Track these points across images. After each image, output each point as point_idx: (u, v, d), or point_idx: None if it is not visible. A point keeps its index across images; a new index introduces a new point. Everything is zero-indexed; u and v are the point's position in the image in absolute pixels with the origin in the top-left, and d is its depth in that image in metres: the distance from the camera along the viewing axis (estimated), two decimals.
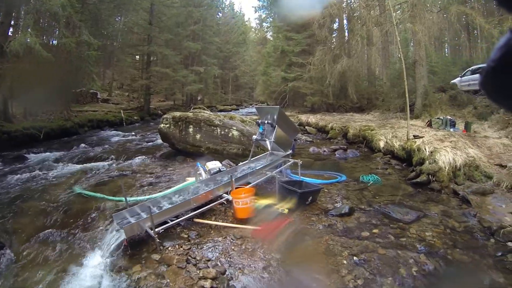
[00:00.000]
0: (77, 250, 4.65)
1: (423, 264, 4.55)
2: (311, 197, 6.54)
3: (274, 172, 7.12)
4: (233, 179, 6.14)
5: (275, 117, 7.51)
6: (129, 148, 12.59)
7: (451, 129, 10.82)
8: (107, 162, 9.70)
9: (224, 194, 5.98)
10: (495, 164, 8.06)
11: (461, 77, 18.37)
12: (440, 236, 5.33)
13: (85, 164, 9.39)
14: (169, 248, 4.58)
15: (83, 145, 12.56)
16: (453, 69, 21.52)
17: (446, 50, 34.29)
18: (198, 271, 4.04)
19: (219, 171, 6.93)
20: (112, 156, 10.51)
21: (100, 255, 4.43)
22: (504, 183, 7.11)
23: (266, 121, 7.65)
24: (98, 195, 6.64)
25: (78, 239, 4.93)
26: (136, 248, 4.60)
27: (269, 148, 7.69)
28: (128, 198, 5.46)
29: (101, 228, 5.25)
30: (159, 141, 11.77)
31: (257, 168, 7.17)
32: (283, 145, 8.01)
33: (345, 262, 4.64)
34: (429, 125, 11.70)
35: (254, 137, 7.85)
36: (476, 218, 5.94)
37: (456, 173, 7.70)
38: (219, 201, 5.89)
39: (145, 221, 4.62)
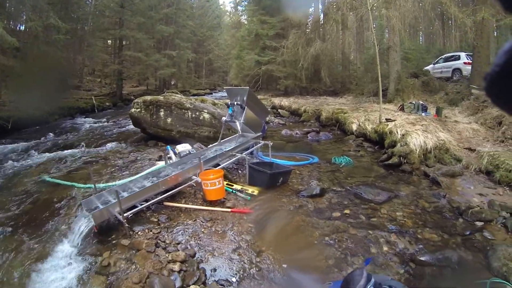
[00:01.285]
0: (46, 239, 4.46)
1: (393, 243, 4.56)
2: (281, 178, 6.45)
3: (244, 153, 7.10)
4: (201, 161, 5.96)
5: (244, 98, 7.42)
6: (100, 135, 12.09)
7: (423, 114, 10.96)
8: (77, 150, 9.26)
9: (194, 177, 5.79)
10: (464, 148, 8.26)
11: (434, 64, 18.75)
12: (411, 216, 5.37)
13: (55, 153, 8.92)
14: (139, 232, 4.46)
15: (53, 134, 11.97)
16: (426, 56, 21.81)
17: (420, 38, 34.80)
18: (167, 255, 3.95)
19: (189, 153, 6.76)
20: (83, 143, 10.05)
21: (70, 243, 4.32)
22: (473, 166, 7.31)
23: (235, 103, 7.54)
24: (67, 183, 6.33)
25: (47, 228, 4.74)
26: (106, 234, 4.47)
27: (239, 130, 7.59)
28: (97, 185, 5.32)
29: (70, 216, 5.01)
30: (131, 126, 11.35)
31: (226, 150, 7.04)
32: (253, 127, 7.90)
33: (316, 242, 4.60)
34: (402, 109, 11.81)
35: (224, 118, 7.74)
36: (445, 199, 6.04)
37: (427, 155, 7.83)
38: (188, 184, 5.69)
39: (113, 206, 4.50)
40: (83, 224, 4.49)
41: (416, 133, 8.30)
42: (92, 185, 5.38)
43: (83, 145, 9.77)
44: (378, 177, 7.19)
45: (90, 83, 30.17)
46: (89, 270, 3.80)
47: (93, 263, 3.90)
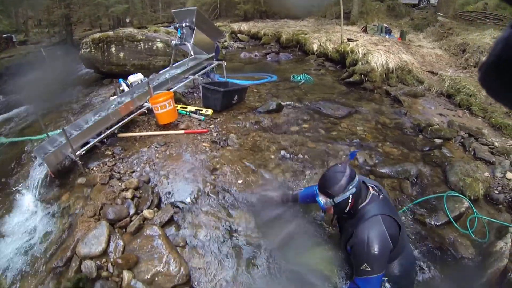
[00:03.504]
0: (7, 195, 4.36)
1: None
2: (236, 96, 6.06)
3: (197, 75, 6.81)
4: (150, 86, 5.56)
5: (193, 19, 7.01)
6: (53, 85, 11.03)
7: (386, 36, 10.63)
8: (29, 105, 8.40)
9: (145, 103, 5.58)
10: (427, 71, 8.21)
11: None
12: (371, 130, 5.20)
13: (5, 114, 8.23)
14: (94, 168, 4.27)
15: (2, 96, 10.75)
16: None
17: None
18: (121, 184, 3.83)
19: (141, 82, 6.31)
20: (35, 98, 9.10)
21: (30, 194, 4.24)
22: (435, 88, 7.31)
23: (184, 24, 7.07)
24: (21, 138, 5.98)
25: (7, 185, 4.59)
26: (63, 177, 4.31)
27: (190, 52, 7.14)
28: (50, 133, 4.89)
29: (28, 169, 4.72)
30: (85, 70, 10.68)
31: (177, 73, 6.69)
32: (205, 48, 7.60)
33: (272, 156, 4.35)
34: (365, 30, 11.40)
35: (173, 42, 7.43)
36: (406, 116, 5.94)
37: (389, 75, 7.69)
38: (140, 111, 5.48)
39: (64, 146, 4.26)
40: (39, 172, 4.37)
41: (378, 53, 8.06)
42: (45, 134, 5.00)
43: (35, 100, 8.93)
44: (339, 94, 6.94)
45: (38, 35, 27.23)
46: (50, 216, 3.77)
47: (54, 207, 3.85)
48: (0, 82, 13.51)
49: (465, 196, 3.83)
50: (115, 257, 2.94)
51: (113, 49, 9.13)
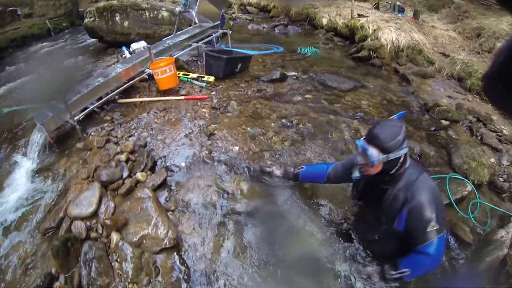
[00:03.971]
0: (5, 162, 4.34)
1: (356, 129, 4.20)
2: (240, 64, 5.87)
3: (200, 43, 6.66)
4: (151, 51, 5.44)
5: None
6: (57, 55, 10.84)
7: (399, 14, 10.28)
8: (34, 75, 8.22)
9: (146, 69, 5.47)
10: (438, 52, 7.85)
11: None
12: (376, 106, 5.02)
13: (10, 84, 8.05)
14: (92, 133, 4.23)
15: (8, 66, 10.49)
16: None
17: None
18: (116, 147, 3.74)
19: (143, 49, 6.15)
20: (39, 68, 8.94)
21: (29, 159, 4.19)
22: (445, 70, 7.00)
23: None
24: (24, 107, 5.87)
25: (6, 152, 4.55)
26: (62, 142, 4.29)
27: (195, 19, 7.00)
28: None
29: (28, 136, 4.58)
30: (90, 40, 10.50)
31: (180, 40, 6.54)
32: (210, 16, 7.38)
33: (273, 124, 4.18)
34: (377, 7, 11.01)
35: (177, 9, 7.27)
36: (413, 95, 5.73)
37: (398, 53, 7.39)
38: (140, 77, 5.40)
39: (63, 111, 4.21)
40: (38, 138, 4.25)
41: (389, 29, 7.73)
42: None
43: (39, 71, 8.78)
44: (346, 68, 6.69)
45: (43, 8, 26.64)
46: (47, 180, 3.75)
47: (52, 172, 3.82)
48: (5, 54, 13.44)
49: (469, 180, 3.67)
50: (104, 218, 2.84)
51: (117, 18, 8.93)
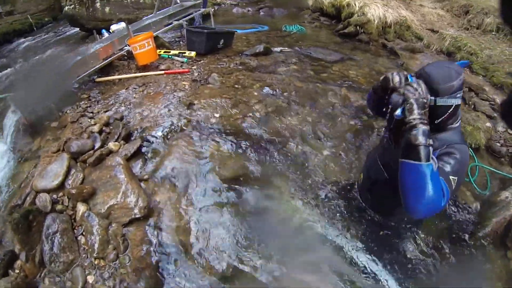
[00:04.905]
0: None
1: (344, 96, 3.93)
2: (222, 40, 5.57)
3: (182, 21, 6.37)
4: (129, 27, 5.20)
5: None
6: (38, 48, 10.53)
7: None
8: (14, 66, 7.86)
9: (125, 47, 5.24)
10: (427, 29, 7.63)
11: None
12: (365, 76, 4.75)
13: None
14: (68, 112, 3.89)
15: None
16: None
17: None
18: (90, 121, 3.49)
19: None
20: (19, 60, 8.55)
21: (3, 143, 3.87)
22: (434, 45, 6.78)
23: None
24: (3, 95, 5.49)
25: None
26: (37, 123, 3.92)
27: None
28: None
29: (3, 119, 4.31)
30: (71, 31, 10.39)
31: (161, 17, 6.33)
32: None
33: (256, 93, 3.89)
34: None
35: None
36: (403, 67, 5.45)
37: (386, 29, 7.13)
38: (119, 54, 5.13)
39: (38, 91, 4.00)
40: (12, 119, 4.01)
41: (376, 5, 7.47)
42: None
43: (20, 62, 8.44)
44: (332, 44, 6.40)
45: (25, 5, 25.90)
46: (20, 160, 3.46)
47: (24, 152, 3.55)
48: None
49: None
50: (69, 188, 2.52)
51: (97, 4, 8.74)
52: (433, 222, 2.58)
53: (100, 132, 3.22)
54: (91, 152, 2.89)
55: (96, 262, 2.16)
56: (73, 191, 2.39)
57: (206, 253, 2.20)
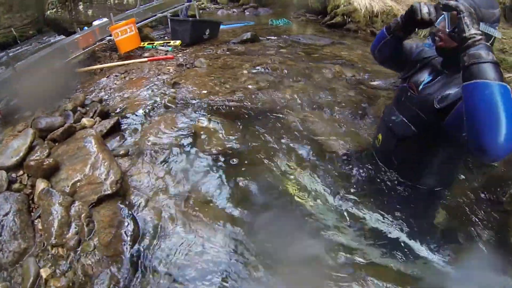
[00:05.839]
0: None
1: (339, 72, 3.59)
2: (208, 30, 5.27)
3: (166, 13, 6.21)
4: (111, 15, 4.95)
5: None
6: (20, 59, 10.10)
7: None
8: None
9: (107, 37, 5.06)
10: None
11: None
12: (358, 56, 4.46)
13: None
14: None
15: None
16: None
17: None
18: (64, 100, 3.19)
19: None
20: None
21: None
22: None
23: None
24: None
25: None
26: (12, 114, 3.52)
27: None
28: None
29: None
30: (57, 38, 9.58)
31: (144, 9, 6.18)
32: None
33: (245, 72, 3.56)
34: None
35: None
36: None
37: (373, 19, 6.87)
38: (101, 42, 5.04)
39: (11, 81, 3.78)
40: None
41: None
42: None
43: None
44: (321, 33, 6.12)
45: (9, 20, 25.53)
46: None
47: None
48: None
49: None
50: (28, 161, 2.08)
51: (81, 7, 8.39)
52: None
53: (74, 111, 2.84)
54: (62, 129, 2.47)
55: (52, 251, 1.66)
56: (32, 164, 1.95)
57: (189, 237, 1.76)
